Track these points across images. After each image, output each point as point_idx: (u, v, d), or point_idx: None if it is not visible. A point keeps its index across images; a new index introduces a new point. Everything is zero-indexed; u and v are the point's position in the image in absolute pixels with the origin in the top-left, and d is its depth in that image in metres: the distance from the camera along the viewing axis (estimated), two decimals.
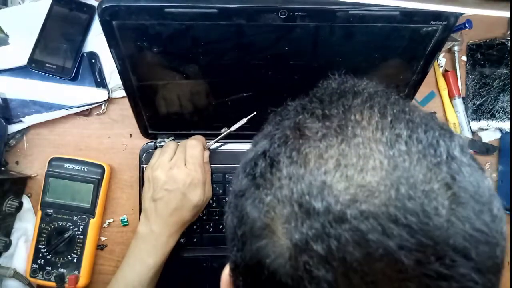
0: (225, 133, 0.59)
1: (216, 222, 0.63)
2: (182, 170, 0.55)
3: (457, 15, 0.45)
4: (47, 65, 0.62)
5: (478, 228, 0.23)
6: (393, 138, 0.25)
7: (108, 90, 0.64)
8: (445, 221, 0.23)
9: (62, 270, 0.61)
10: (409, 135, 0.25)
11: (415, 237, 0.22)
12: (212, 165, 0.62)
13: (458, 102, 0.68)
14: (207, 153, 0.60)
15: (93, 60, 0.64)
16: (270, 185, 0.26)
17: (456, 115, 0.69)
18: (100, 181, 0.62)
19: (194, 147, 0.57)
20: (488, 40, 0.69)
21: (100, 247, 0.65)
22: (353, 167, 0.24)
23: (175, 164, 0.56)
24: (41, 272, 0.61)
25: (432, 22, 0.44)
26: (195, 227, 0.63)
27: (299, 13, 0.43)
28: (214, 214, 0.63)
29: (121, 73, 0.52)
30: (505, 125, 0.68)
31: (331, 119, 0.26)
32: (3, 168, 0.64)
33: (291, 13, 0.43)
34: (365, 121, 0.26)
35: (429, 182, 0.23)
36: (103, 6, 0.43)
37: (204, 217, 0.63)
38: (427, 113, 0.29)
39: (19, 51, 0.62)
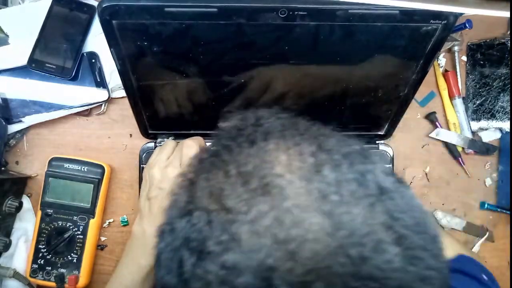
0: None
1: None
2: (176, 169, 0.55)
3: (456, 15, 0.45)
4: (47, 65, 0.62)
5: (429, 265, 0.23)
6: (323, 188, 0.22)
7: (108, 90, 0.64)
8: (401, 271, 0.21)
9: (62, 270, 0.61)
10: (337, 180, 0.23)
11: None
12: None
13: (458, 102, 0.68)
14: None
15: (93, 60, 0.64)
16: (203, 283, 0.22)
17: (456, 115, 0.69)
18: (100, 181, 0.62)
19: (190, 148, 0.57)
20: (488, 40, 0.69)
21: (100, 247, 0.65)
22: (293, 240, 0.21)
23: (171, 163, 0.55)
24: (41, 272, 0.61)
25: (431, 21, 0.44)
26: None
27: (299, 12, 0.43)
28: None
29: (121, 73, 0.52)
30: (505, 125, 0.68)
31: (250, 181, 0.23)
32: (3, 168, 0.64)
33: (291, 12, 0.43)
34: (287, 171, 0.23)
35: (374, 232, 0.22)
36: (103, 6, 0.43)
37: None
38: (339, 136, 0.27)
39: (19, 51, 0.62)
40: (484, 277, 0.46)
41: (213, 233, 0.22)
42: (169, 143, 0.59)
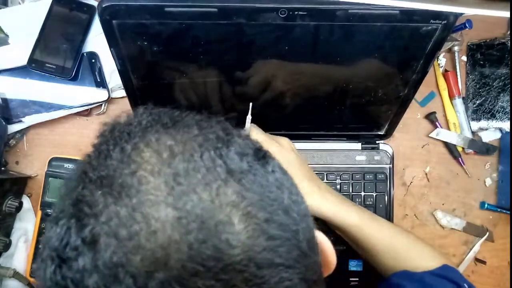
0: None
1: None
2: None
3: (456, 14, 0.45)
4: (47, 65, 0.62)
5: (272, 235, 0.24)
6: (170, 180, 0.23)
7: (108, 90, 0.64)
8: (242, 247, 0.22)
9: None
10: (185, 169, 0.24)
11: (220, 278, 0.22)
12: None
13: (458, 102, 0.68)
14: None
15: (93, 60, 0.64)
16: None
17: (456, 115, 0.69)
18: None
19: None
20: (488, 40, 0.69)
21: None
22: (137, 235, 0.22)
23: None
24: None
25: (431, 21, 0.44)
26: None
27: (299, 12, 0.43)
28: None
29: (121, 73, 0.52)
30: (505, 125, 0.68)
31: (107, 183, 0.24)
32: (3, 168, 0.64)
33: (291, 12, 0.43)
34: (141, 169, 0.24)
35: (218, 214, 0.22)
36: (103, 6, 0.43)
37: None
38: (203, 124, 0.27)
39: (19, 51, 0.62)
40: (466, 286, 0.49)
41: (70, 239, 0.23)
42: None
